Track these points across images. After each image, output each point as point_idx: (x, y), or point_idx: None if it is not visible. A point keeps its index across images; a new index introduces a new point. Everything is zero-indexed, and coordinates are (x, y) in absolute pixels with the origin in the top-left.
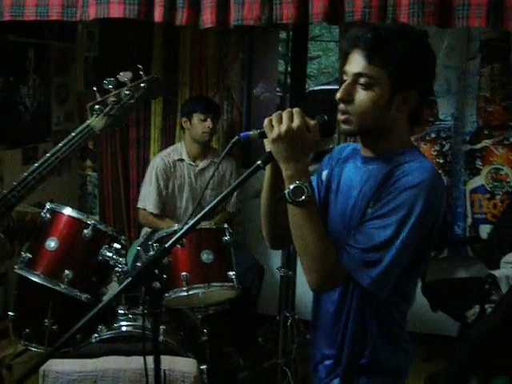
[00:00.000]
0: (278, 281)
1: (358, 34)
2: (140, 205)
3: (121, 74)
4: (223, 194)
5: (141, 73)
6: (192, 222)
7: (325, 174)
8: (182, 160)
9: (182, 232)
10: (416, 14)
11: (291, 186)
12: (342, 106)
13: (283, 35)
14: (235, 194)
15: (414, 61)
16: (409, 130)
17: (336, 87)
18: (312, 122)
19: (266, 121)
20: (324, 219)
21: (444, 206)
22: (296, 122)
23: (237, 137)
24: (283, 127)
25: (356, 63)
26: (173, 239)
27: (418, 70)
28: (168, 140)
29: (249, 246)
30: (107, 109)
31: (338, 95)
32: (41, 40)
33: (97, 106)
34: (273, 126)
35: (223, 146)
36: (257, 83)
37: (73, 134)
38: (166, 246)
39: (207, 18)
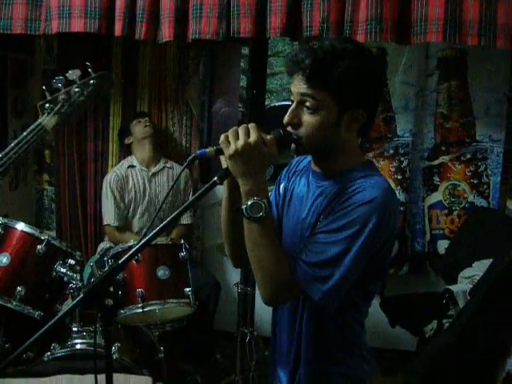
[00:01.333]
0: (235, 297)
1: (297, 58)
2: (104, 221)
3: (69, 71)
4: (179, 209)
5: (89, 70)
6: (146, 238)
7: (282, 186)
8: (133, 166)
9: (136, 248)
10: (374, 30)
11: (249, 202)
12: (290, 129)
13: (245, 51)
14: None
15: (356, 80)
16: (359, 148)
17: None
18: (268, 137)
19: (222, 137)
20: (280, 231)
21: (399, 220)
22: (252, 137)
23: (193, 154)
24: (240, 143)
25: (299, 85)
26: (126, 255)
27: (362, 89)
28: (126, 154)
29: (205, 261)
30: (58, 106)
31: (286, 119)
32: None
33: (47, 105)
34: (229, 142)
35: (183, 159)
36: (218, 98)
37: (25, 133)
38: (120, 262)
39: (165, 32)
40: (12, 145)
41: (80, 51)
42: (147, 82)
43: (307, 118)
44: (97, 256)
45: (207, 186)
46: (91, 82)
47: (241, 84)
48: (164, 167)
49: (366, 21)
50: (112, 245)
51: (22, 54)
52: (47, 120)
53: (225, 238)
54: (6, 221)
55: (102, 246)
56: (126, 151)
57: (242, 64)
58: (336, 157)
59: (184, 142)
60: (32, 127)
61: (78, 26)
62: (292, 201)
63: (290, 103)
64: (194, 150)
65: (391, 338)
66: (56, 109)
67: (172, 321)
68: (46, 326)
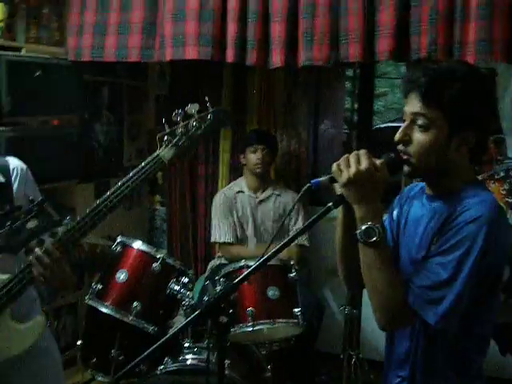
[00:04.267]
0: (340, 318)
1: (414, 78)
2: (213, 239)
3: (189, 105)
4: (295, 232)
5: (207, 105)
6: (262, 259)
7: (395, 213)
8: (242, 192)
9: (252, 268)
10: (483, 51)
11: (363, 227)
12: (400, 147)
13: (350, 72)
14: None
15: (470, 101)
16: (470, 168)
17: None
18: (379, 162)
19: (335, 166)
20: (396, 258)
21: (510, 241)
22: (364, 164)
23: (308, 184)
24: (352, 171)
25: (413, 104)
26: (243, 274)
27: (474, 110)
28: (236, 176)
29: (311, 283)
30: (175, 139)
31: (397, 137)
32: (114, 79)
33: (166, 137)
34: (341, 171)
35: (293, 183)
36: (323, 120)
37: (143, 164)
38: (235, 281)
39: (276, 59)
40: (130, 174)
41: (192, 77)
42: (256, 106)
43: (418, 136)
44: (207, 274)
45: (322, 211)
46: (208, 116)
47: (346, 106)
48: (272, 194)
49: (475, 41)
50: (223, 261)
51: (136, 80)
52: (165, 152)
53: (339, 260)
54: (124, 239)
55: (213, 263)
56: (235, 174)
57: (346, 85)
58: (446, 177)
59: (293, 165)
60: (150, 158)
61: (191, 53)
62: (407, 226)
63: (395, 124)
64: (303, 171)
65: (501, 367)
66: (174, 141)
67: (279, 340)
68: (161, 340)
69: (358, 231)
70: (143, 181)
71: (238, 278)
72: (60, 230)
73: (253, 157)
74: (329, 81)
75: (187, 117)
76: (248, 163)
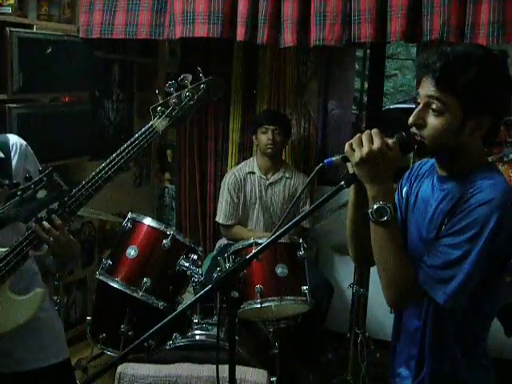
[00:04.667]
0: (348, 298)
1: (428, 62)
2: (216, 218)
3: (182, 76)
4: (306, 211)
5: (200, 75)
6: (272, 237)
7: (405, 190)
8: (253, 173)
9: (263, 245)
10: (495, 33)
11: (375, 206)
12: (414, 130)
13: (360, 53)
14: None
15: (485, 86)
16: (483, 150)
17: (412, 106)
18: (391, 141)
19: (347, 145)
20: (404, 234)
21: None
22: (376, 144)
23: (321, 164)
24: (364, 150)
25: (427, 88)
26: (254, 251)
27: (489, 94)
28: (245, 155)
29: (319, 262)
30: (169, 110)
31: (411, 120)
32: (125, 56)
33: (159, 108)
34: (354, 150)
35: (302, 163)
36: (332, 101)
37: (137, 135)
38: (247, 257)
39: (287, 38)
40: (125, 146)
41: (202, 54)
42: (267, 84)
43: (432, 120)
44: (215, 252)
45: (334, 189)
46: (201, 86)
47: (355, 86)
48: (282, 177)
49: (487, 23)
50: (230, 242)
51: (146, 58)
52: (158, 122)
53: (349, 238)
54: (134, 216)
55: (221, 242)
56: (244, 152)
57: (356, 66)
58: (459, 160)
59: (302, 145)
60: (143, 129)
61: (201, 31)
62: (417, 204)
63: (404, 106)
64: (312, 152)
65: (507, 348)
66: (167, 112)
67: (287, 318)
68: (171, 315)
69: (369, 210)
70: (137, 151)
71: (250, 254)
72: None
73: (264, 137)
74: (339, 60)
75: (180, 87)
76: (259, 144)
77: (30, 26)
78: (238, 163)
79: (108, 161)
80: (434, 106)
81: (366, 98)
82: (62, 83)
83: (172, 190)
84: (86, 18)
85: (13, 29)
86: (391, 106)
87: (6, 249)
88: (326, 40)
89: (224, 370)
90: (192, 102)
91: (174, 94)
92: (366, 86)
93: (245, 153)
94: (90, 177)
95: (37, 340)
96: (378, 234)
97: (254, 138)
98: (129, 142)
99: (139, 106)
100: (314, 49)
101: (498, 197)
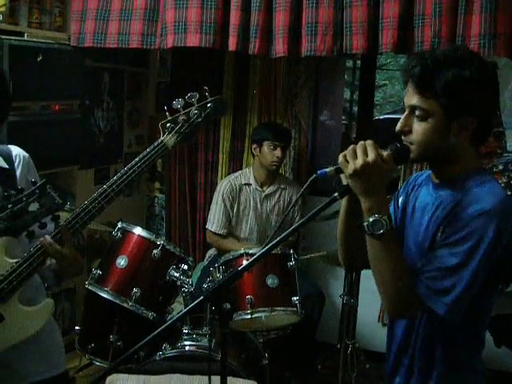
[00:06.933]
0: (338, 309)
1: (408, 67)
2: (207, 226)
3: (189, 94)
4: (299, 222)
5: (206, 94)
6: (265, 248)
7: (401, 200)
8: (248, 184)
9: (256, 256)
10: (486, 44)
11: (370, 219)
12: (402, 137)
13: (349, 63)
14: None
15: (465, 88)
16: (474, 153)
17: (402, 116)
18: (385, 153)
19: (341, 157)
20: (401, 244)
21: None
22: (371, 156)
23: (314, 175)
24: (359, 162)
25: (410, 96)
26: (247, 262)
27: (471, 95)
28: (235, 164)
29: (310, 273)
30: (178, 126)
31: (397, 127)
32: (115, 65)
33: (168, 124)
34: (348, 162)
35: (292, 173)
36: (322, 111)
37: (147, 150)
38: (240, 269)
39: (279, 48)
40: (136, 160)
41: (193, 64)
42: (257, 94)
43: (416, 126)
44: (205, 262)
45: (327, 201)
46: (208, 105)
47: (344, 97)
48: (278, 188)
49: (478, 35)
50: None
51: (137, 67)
52: (168, 138)
53: (340, 243)
54: (124, 225)
55: (211, 252)
56: (235, 162)
57: (346, 77)
58: (450, 163)
59: (293, 155)
60: (154, 145)
61: (193, 40)
62: (414, 214)
63: (394, 116)
64: (302, 161)
65: (496, 359)
66: (177, 128)
67: (277, 328)
68: (163, 326)
69: (365, 223)
70: (148, 166)
71: (243, 265)
72: (63, 213)
73: (271, 153)
74: (328, 71)
75: (187, 105)
76: (264, 158)
77: (21, 34)
78: (228, 173)
79: (120, 174)
80: (417, 113)
81: (355, 108)
82: (52, 91)
83: (162, 199)
84: (78, 27)
85: (4, 36)
86: (380, 117)
87: (15, 260)
88: (317, 51)
89: (214, 381)
90: (200, 120)
91: (183, 112)
92: (356, 96)
93: (235, 162)
94: (102, 190)
95: (40, 352)
96: (374, 246)
97: (253, 148)
98: (140, 156)
99: (129, 115)
100: (303, 59)
101: (496, 206)
